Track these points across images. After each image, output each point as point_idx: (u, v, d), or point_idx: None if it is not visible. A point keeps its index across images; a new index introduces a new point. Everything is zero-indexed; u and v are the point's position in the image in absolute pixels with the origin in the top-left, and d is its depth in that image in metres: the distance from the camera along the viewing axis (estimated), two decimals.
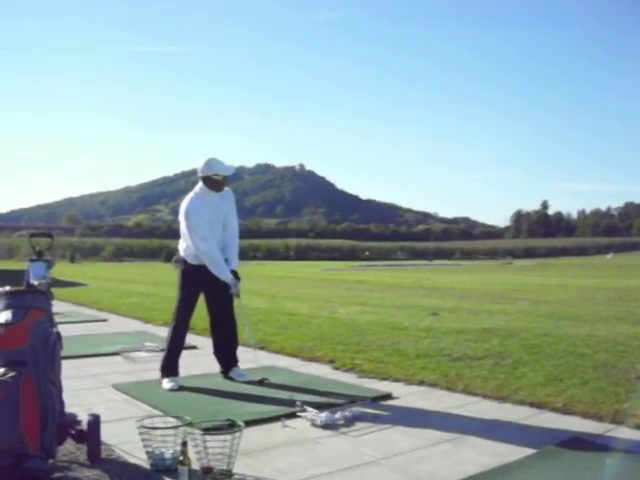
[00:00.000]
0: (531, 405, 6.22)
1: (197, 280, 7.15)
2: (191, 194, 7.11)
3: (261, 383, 7.11)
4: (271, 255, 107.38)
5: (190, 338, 8.63)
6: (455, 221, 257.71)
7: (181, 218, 7.10)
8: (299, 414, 5.82)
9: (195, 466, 4.14)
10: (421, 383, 7.20)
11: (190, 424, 4.47)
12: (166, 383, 6.98)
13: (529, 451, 4.89)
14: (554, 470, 4.52)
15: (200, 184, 7.10)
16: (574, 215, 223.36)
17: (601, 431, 5.43)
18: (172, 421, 4.75)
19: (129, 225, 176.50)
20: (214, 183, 7.03)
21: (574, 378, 7.05)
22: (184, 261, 7.22)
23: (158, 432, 4.46)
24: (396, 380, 7.37)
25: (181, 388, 6.86)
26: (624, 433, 5.37)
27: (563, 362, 7.93)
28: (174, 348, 7.21)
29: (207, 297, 7.37)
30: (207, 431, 4.29)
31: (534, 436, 5.26)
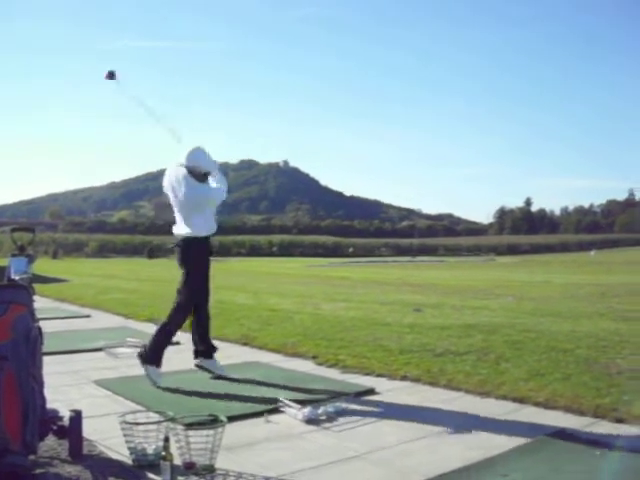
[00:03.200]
0: (514, 400, 6.24)
1: (208, 254, 7.17)
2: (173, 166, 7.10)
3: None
4: (255, 251, 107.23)
5: None
6: (439, 217, 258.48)
7: (176, 186, 7.02)
8: (282, 409, 5.81)
9: (177, 461, 4.12)
10: (404, 378, 7.21)
11: (172, 419, 4.45)
12: (154, 371, 6.91)
13: (512, 445, 4.91)
14: (536, 463, 4.55)
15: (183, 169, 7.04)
16: (557, 212, 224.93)
17: (583, 425, 5.47)
18: (154, 416, 4.72)
19: (112, 221, 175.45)
20: (195, 175, 6.99)
21: (556, 373, 7.09)
22: (194, 238, 7.06)
23: (140, 428, 4.43)
24: (379, 375, 7.37)
25: (164, 384, 6.82)
26: (606, 427, 5.41)
27: (545, 357, 7.97)
28: (169, 334, 7.12)
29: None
30: (189, 426, 4.27)
31: (517, 430, 5.28)
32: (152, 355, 6.97)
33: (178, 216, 7.11)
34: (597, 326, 10.97)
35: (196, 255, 7.07)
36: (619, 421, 5.54)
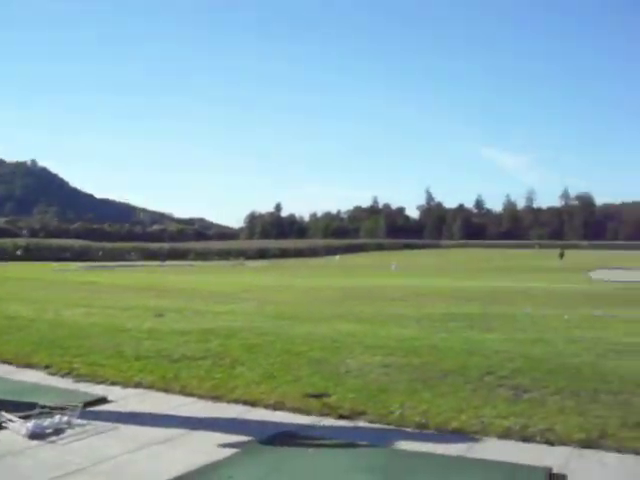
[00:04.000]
0: (245, 403, 6.36)
1: None
2: None
3: None
4: None
5: None
6: (190, 222, 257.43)
7: None
8: (4, 425, 5.49)
9: None
10: (138, 385, 7.10)
11: None
12: None
13: (239, 447, 5.02)
14: (259, 464, 4.67)
15: None
16: (306, 217, 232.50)
17: (310, 423, 5.69)
18: None
19: None
20: None
21: (288, 375, 7.30)
22: None
23: None
24: (113, 383, 7.21)
25: None
26: (330, 423, 5.68)
27: (279, 360, 8.18)
28: None
29: None
30: None
31: (245, 433, 5.39)
32: None
33: None
34: (334, 328, 11.43)
35: None
36: (342, 417, 5.83)
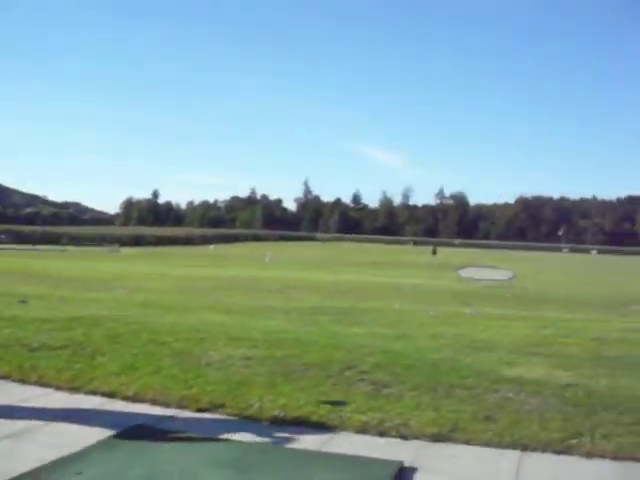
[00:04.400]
0: (103, 394, 6.22)
1: None
2: None
3: None
4: None
5: None
6: (65, 205, 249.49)
7: None
8: None
9: None
10: None
11: None
12: None
13: (93, 440, 4.90)
14: (112, 459, 4.58)
15: None
16: (183, 206, 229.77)
17: (168, 416, 5.65)
18: None
19: None
20: None
21: (149, 366, 7.20)
22: None
23: None
24: None
25: None
26: (188, 416, 5.66)
27: (142, 351, 8.05)
28: None
29: None
30: None
31: (101, 425, 5.28)
32: None
33: None
34: (201, 318, 11.39)
35: None
36: (200, 410, 5.82)
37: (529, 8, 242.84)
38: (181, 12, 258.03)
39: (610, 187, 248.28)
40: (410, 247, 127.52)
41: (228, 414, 5.76)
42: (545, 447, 5.13)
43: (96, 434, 5.06)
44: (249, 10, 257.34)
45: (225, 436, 5.18)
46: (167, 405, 5.94)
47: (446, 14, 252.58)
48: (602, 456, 4.99)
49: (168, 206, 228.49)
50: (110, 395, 6.22)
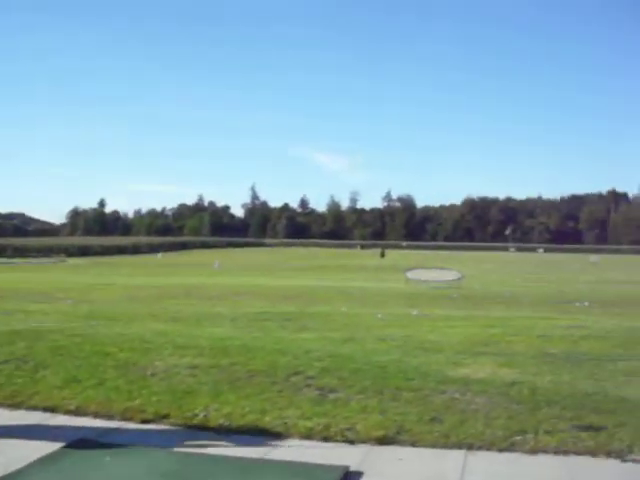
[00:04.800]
0: (45, 409, 6.10)
1: None
2: None
3: None
4: None
5: None
6: (9, 216, 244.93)
7: None
8: None
9: None
10: None
11: None
12: None
13: (35, 456, 4.79)
14: (54, 474, 4.50)
15: None
16: (131, 214, 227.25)
17: (111, 428, 5.56)
18: None
19: None
20: None
21: (93, 378, 7.07)
22: None
23: None
24: None
25: None
26: (132, 428, 5.58)
27: (86, 363, 7.89)
28: None
29: None
30: None
31: (43, 441, 5.17)
32: None
33: None
34: (146, 328, 11.25)
35: None
36: (145, 421, 5.74)
37: None
38: (118, 20, 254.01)
39: (554, 186, 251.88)
40: (358, 250, 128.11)
41: (173, 424, 5.70)
42: (490, 445, 5.19)
43: (38, 450, 4.95)
44: (182, 21, 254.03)
45: (170, 447, 5.12)
46: (111, 417, 5.87)
47: (386, 11, 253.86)
48: (545, 451, 5.07)
49: (115, 215, 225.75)
50: (52, 410, 6.11)
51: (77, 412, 6.02)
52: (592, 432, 5.38)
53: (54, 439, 5.23)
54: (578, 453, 5.03)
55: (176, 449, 5.09)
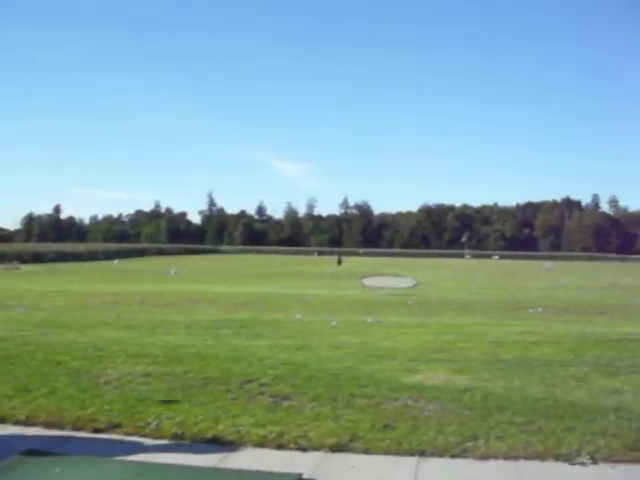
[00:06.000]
0: None
1: None
2: None
3: None
4: None
5: None
6: None
7: None
8: None
9: None
10: None
11: None
12: None
13: None
14: None
15: None
16: (87, 220, 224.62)
17: (63, 438, 5.50)
18: None
19: None
20: None
21: (44, 387, 6.99)
22: None
23: None
24: None
25: None
26: (83, 437, 5.53)
27: (37, 371, 7.80)
28: None
29: None
30: None
31: None
32: None
33: None
34: (100, 336, 11.12)
35: None
36: (97, 431, 5.69)
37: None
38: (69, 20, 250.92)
39: (510, 194, 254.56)
40: (315, 257, 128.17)
41: (125, 433, 5.66)
42: (442, 452, 5.24)
43: None
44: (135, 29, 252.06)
45: (121, 456, 5.08)
46: (62, 427, 5.81)
47: (339, 15, 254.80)
48: (496, 457, 5.14)
49: (71, 221, 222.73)
50: (1, 420, 6.02)
51: (27, 422, 5.94)
52: (541, 437, 5.47)
53: (3, 450, 5.14)
54: (528, 458, 5.12)
55: (128, 458, 5.05)
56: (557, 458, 5.10)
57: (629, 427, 5.74)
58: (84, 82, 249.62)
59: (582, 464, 5.01)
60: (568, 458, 5.09)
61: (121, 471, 4.76)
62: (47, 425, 5.85)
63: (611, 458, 5.10)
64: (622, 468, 4.98)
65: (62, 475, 4.65)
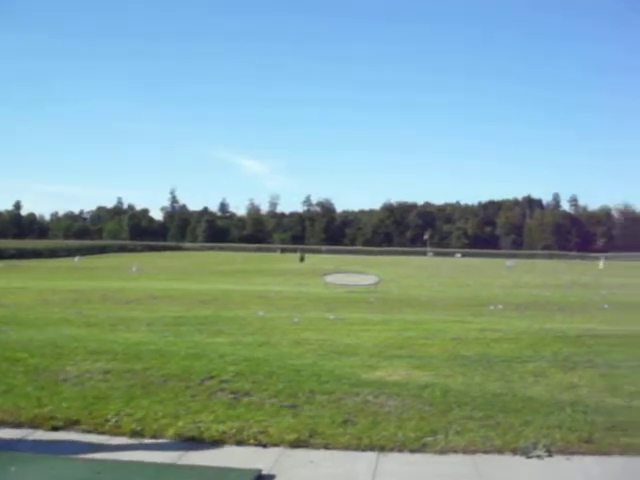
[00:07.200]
0: None
1: None
2: None
3: None
4: None
5: None
6: None
7: None
8: None
9: None
10: None
11: None
12: None
13: None
14: None
15: None
16: (47, 217, 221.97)
17: (19, 437, 5.43)
18: None
19: None
20: None
21: (1, 385, 6.89)
22: None
23: None
24: None
25: None
26: (41, 436, 5.46)
27: None
28: None
29: None
30: None
31: None
32: None
33: None
34: (59, 333, 11.02)
35: None
36: (55, 429, 5.62)
37: None
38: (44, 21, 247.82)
39: (472, 192, 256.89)
40: (278, 254, 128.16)
41: (84, 431, 5.61)
42: (401, 447, 5.28)
43: None
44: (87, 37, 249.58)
45: (79, 454, 5.05)
46: (18, 426, 5.73)
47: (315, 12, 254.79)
48: (455, 451, 5.19)
49: (31, 218, 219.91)
50: None
51: None
52: (500, 431, 5.53)
53: None
54: (486, 452, 5.18)
55: (87, 456, 5.01)
56: (514, 452, 5.18)
57: (584, 420, 5.84)
58: (40, 78, 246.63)
59: (538, 457, 5.09)
60: (525, 451, 5.16)
61: (80, 469, 4.71)
62: (3, 423, 5.77)
63: (567, 450, 5.20)
64: (577, 460, 5.07)
65: (18, 474, 4.59)
